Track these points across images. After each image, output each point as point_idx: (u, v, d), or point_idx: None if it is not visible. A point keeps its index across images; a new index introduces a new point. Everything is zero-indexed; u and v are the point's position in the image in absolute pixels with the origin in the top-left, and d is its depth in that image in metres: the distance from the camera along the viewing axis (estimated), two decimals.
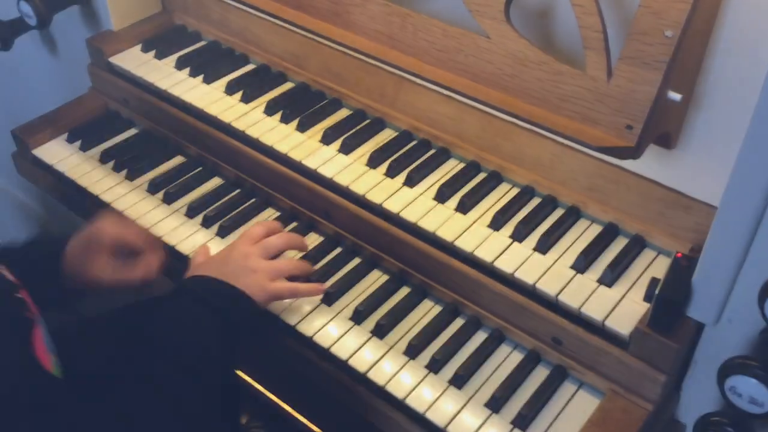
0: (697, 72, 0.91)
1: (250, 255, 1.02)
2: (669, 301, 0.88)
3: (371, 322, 1.04)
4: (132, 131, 1.38)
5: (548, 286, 0.98)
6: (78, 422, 0.78)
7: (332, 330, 1.03)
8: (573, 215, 1.08)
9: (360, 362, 0.99)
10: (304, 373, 1.05)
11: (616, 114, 0.88)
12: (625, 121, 0.87)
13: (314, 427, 1.36)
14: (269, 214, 1.21)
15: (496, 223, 1.06)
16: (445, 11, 1.08)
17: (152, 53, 1.39)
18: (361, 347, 1.01)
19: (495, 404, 0.95)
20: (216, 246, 1.13)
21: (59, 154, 1.32)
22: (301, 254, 1.12)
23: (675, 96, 0.86)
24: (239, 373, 1.67)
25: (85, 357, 0.95)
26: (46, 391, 0.78)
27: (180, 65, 1.36)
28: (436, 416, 0.94)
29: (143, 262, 1.06)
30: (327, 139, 1.20)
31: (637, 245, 1.04)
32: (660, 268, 1.01)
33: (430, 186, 1.13)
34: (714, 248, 0.83)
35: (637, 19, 0.85)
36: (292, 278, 1.05)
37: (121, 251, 1.05)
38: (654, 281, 0.94)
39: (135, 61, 1.37)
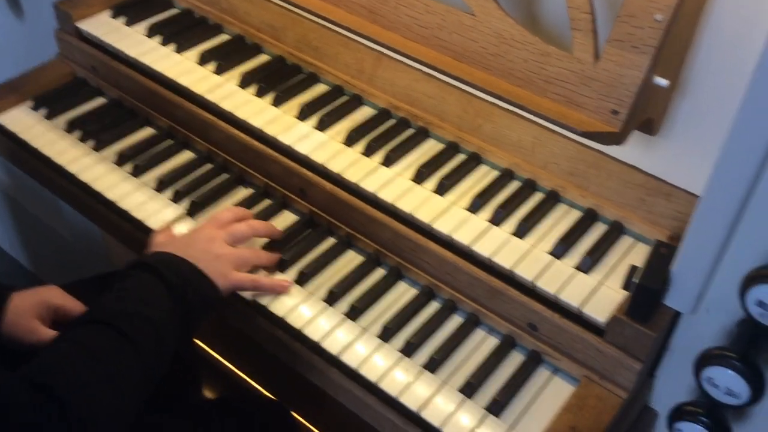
0: (683, 58, 0.90)
1: (215, 239, 0.99)
2: (648, 290, 0.87)
3: (345, 303, 1.02)
4: (100, 100, 1.33)
5: (525, 271, 0.97)
6: None
7: (305, 311, 1.01)
8: (552, 200, 1.06)
9: (333, 344, 0.97)
10: (274, 354, 1.03)
11: (601, 98, 0.86)
12: (610, 105, 0.85)
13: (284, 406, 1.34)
14: (242, 191, 1.18)
15: (475, 206, 1.05)
16: None
17: (122, 19, 1.34)
18: (333, 329, 0.99)
19: (469, 389, 0.94)
20: (186, 226, 1.10)
21: (23, 122, 1.27)
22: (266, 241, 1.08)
23: (662, 81, 0.84)
24: (207, 348, 1.65)
25: None
26: None
27: (151, 33, 1.31)
28: (410, 400, 0.92)
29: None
30: (303, 114, 1.17)
31: (615, 231, 1.02)
32: (638, 255, 1.00)
33: (408, 166, 1.10)
34: (695, 237, 0.82)
35: (627, 1, 0.82)
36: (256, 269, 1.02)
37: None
38: (633, 269, 0.93)
39: (104, 27, 1.32)
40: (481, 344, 1.00)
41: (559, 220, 1.04)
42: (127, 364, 0.82)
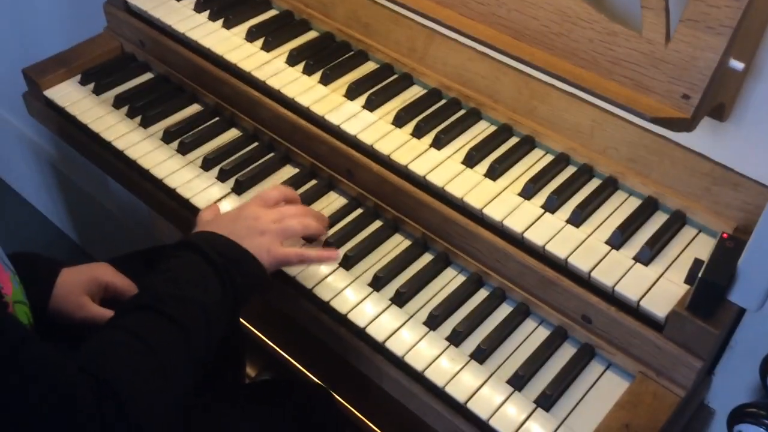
0: (759, 38, 0.84)
1: (260, 217, 0.98)
2: (712, 285, 0.82)
3: (391, 289, 0.99)
4: (147, 76, 1.32)
5: (581, 262, 0.93)
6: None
7: (350, 295, 0.99)
8: (610, 186, 1.02)
9: (378, 331, 0.95)
10: (319, 337, 1.02)
11: (672, 81, 0.81)
12: (681, 89, 0.80)
13: (327, 390, 1.33)
14: (288, 170, 1.16)
15: (528, 192, 1.01)
16: None
17: None
18: (379, 315, 0.97)
19: (518, 381, 0.91)
20: (231, 204, 1.08)
21: (71, 97, 1.26)
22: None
23: (737, 65, 0.79)
24: (252, 329, 1.65)
25: None
26: None
27: (199, 8, 1.29)
28: (456, 391, 0.90)
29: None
30: (351, 93, 1.14)
31: (677, 221, 0.98)
32: (701, 247, 0.96)
33: (459, 149, 1.07)
34: (766, 231, 0.77)
35: None
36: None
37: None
38: (698, 263, 0.89)
39: (153, 1, 1.30)
40: (531, 335, 0.97)
41: (618, 209, 1.00)
42: (179, 352, 0.81)
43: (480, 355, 0.93)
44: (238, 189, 1.11)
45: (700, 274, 0.83)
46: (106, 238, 2.13)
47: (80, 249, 2.30)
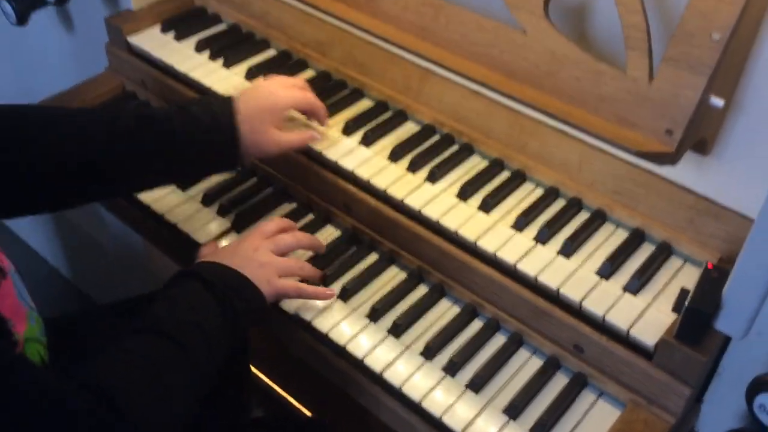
0: (738, 76, 0.88)
1: (259, 248, 1.00)
2: (699, 313, 0.85)
3: (388, 320, 1.01)
4: None
5: (572, 292, 0.96)
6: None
7: (348, 327, 1.01)
8: (599, 219, 1.05)
9: (375, 361, 0.97)
10: (317, 370, 1.03)
11: (656, 118, 0.85)
12: (665, 125, 0.84)
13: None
14: (286, 205, 1.18)
15: (520, 224, 1.04)
16: (479, 3, 1.05)
17: (171, 34, 1.36)
18: (376, 346, 0.99)
19: (513, 411, 0.92)
20: (230, 240, 1.11)
21: None
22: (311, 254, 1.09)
23: (718, 102, 0.83)
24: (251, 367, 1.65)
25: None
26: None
27: (200, 48, 1.33)
28: (453, 421, 0.91)
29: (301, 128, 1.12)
30: (348, 129, 1.17)
31: (664, 252, 1.01)
32: (687, 276, 0.99)
33: (453, 183, 1.10)
34: (748, 261, 0.80)
35: (684, 20, 0.81)
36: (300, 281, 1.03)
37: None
38: (684, 292, 0.92)
39: (154, 41, 1.34)
40: (525, 365, 0.99)
41: (606, 240, 1.03)
42: (181, 374, 0.83)
43: (475, 385, 0.95)
44: (238, 224, 1.14)
45: (686, 303, 0.86)
46: (100, 275, 2.14)
47: (73, 286, 2.30)
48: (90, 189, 1.02)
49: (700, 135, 0.89)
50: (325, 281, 1.05)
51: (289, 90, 1.11)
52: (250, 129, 1.05)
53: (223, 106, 1.05)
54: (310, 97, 1.14)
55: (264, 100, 1.07)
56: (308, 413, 1.56)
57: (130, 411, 0.75)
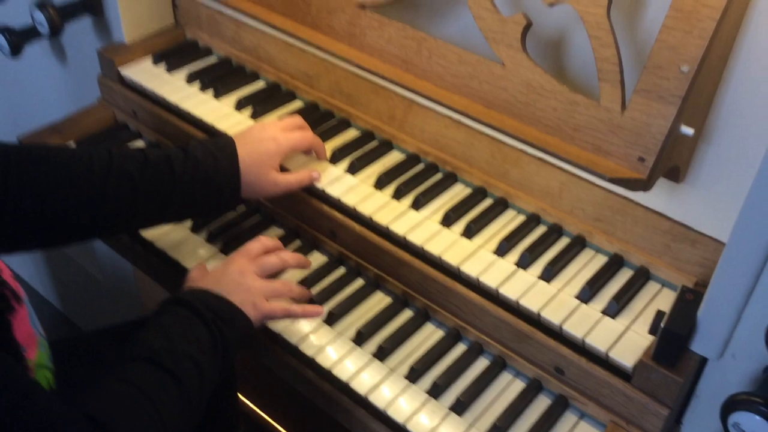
0: (708, 106, 0.92)
1: (246, 272, 1.02)
2: (674, 335, 0.87)
3: (373, 344, 1.03)
4: (139, 144, 1.38)
5: (553, 315, 0.98)
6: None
7: (334, 351, 1.02)
8: (579, 245, 1.08)
9: (360, 385, 0.99)
10: (302, 393, 1.05)
11: (628, 146, 0.88)
12: (637, 153, 0.88)
13: None
14: (273, 231, 1.21)
15: (502, 250, 1.06)
16: (460, 37, 1.09)
17: (163, 66, 1.39)
18: (361, 369, 1.00)
19: None
20: (217, 263, 1.13)
21: None
22: (302, 274, 1.11)
23: (687, 130, 0.86)
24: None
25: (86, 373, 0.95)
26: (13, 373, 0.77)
27: (191, 79, 1.36)
28: None
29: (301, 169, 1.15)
30: (335, 158, 1.20)
31: (641, 277, 1.04)
32: (664, 300, 1.01)
33: (437, 210, 1.13)
34: (721, 284, 0.83)
35: (653, 53, 0.85)
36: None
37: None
38: (660, 314, 0.94)
39: (145, 73, 1.37)
40: (507, 387, 1.01)
41: (586, 265, 1.06)
42: (175, 403, 0.85)
43: (459, 408, 0.96)
44: (226, 251, 1.16)
45: (662, 325, 0.88)
46: (89, 304, 2.14)
47: (63, 315, 2.30)
48: (89, 232, 1.04)
49: (672, 163, 0.92)
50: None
51: (288, 134, 1.14)
52: (251, 175, 1.07)
53: (225, 150, 1.07)
54: (308, 137, 1.17)
55: (265, 147, 1.10)
56: None
57: None
